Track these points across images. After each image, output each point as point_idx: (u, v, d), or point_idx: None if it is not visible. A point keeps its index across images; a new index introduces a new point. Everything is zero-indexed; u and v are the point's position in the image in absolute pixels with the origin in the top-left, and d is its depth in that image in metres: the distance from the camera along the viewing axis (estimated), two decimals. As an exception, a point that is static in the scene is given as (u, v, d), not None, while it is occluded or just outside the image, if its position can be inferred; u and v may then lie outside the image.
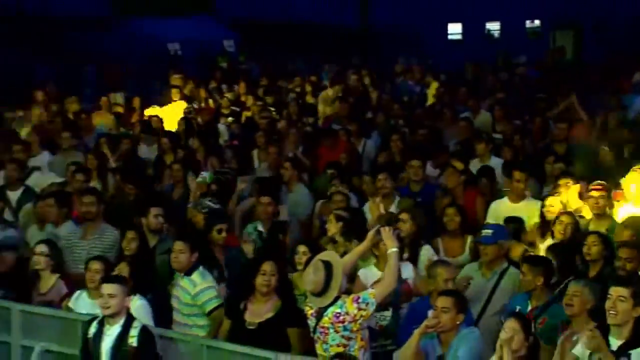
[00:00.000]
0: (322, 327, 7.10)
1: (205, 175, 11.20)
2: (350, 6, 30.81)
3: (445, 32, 32.75)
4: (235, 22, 29.62)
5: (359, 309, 7.04)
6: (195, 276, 8.30)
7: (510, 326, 6.41)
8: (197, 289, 8.24)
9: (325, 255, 7.43)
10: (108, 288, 7.35)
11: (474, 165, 11.63)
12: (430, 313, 7.24)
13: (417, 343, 6.86)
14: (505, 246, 8.43)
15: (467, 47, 29.45)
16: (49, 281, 8.85)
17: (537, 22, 32.59)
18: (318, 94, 18.28)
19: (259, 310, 7.75)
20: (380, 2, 30.58)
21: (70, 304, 8.43)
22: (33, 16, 25.53)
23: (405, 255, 8.32)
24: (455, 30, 33.09)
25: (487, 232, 8.39)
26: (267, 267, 7.77)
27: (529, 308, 7.52)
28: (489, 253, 8.26)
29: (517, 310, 7.40)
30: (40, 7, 26.43)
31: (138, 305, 7.84)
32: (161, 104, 17.20)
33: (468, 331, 6.93)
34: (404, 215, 8.98)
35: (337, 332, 7.05)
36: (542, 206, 9.41)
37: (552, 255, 8.09)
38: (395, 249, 7.30)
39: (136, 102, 17.89)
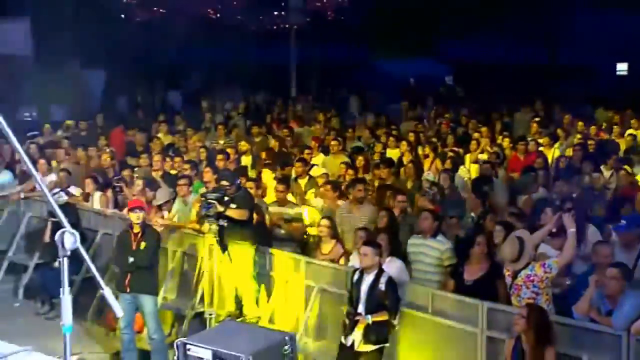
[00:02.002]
0: (516, 285, 6.99)
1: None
2: (540, 48, 29.98)
3: (614, 69, 31.12)
4: (453, 62, 29.60)
5: (545, 272, 6.90)
6: (440, 237, 8.28)
7: None
8: (445, 247, 8.21)
9: (519, 232, 7.32)
10: (364, 249, 7.59)
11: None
12: (590, 278, 6.99)
13: (591, 298, 6.68)
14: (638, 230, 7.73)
15: (632, 81, 27.92)
16: (329, 245, 9.01)
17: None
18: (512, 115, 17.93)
19: (474, 270, 7.71)
20: (563, 46, 29.54)
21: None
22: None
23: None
24: (622, 68, 31.37)
25: (622, 222, 7.69)
26: (481, 239, 7.76)
27: None
28: (625, 238, 7.59)
29: None
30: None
31: (398, 265, 7.95)
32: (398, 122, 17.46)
33: (634, 291, 6.63)
34: (568, 205, 8.64)
35: (527, 288, 6.92)
36: None
37: None
38: (573, 230, 7.06)
39: (382, 120, 18.24)
